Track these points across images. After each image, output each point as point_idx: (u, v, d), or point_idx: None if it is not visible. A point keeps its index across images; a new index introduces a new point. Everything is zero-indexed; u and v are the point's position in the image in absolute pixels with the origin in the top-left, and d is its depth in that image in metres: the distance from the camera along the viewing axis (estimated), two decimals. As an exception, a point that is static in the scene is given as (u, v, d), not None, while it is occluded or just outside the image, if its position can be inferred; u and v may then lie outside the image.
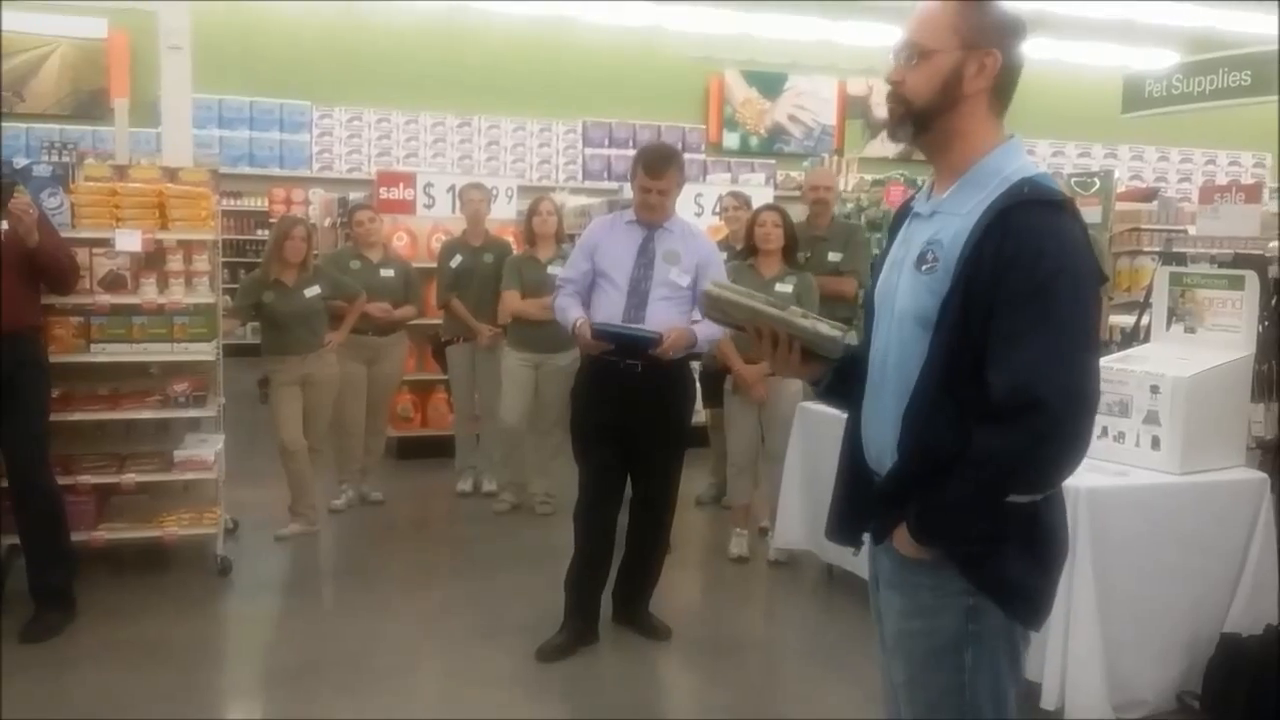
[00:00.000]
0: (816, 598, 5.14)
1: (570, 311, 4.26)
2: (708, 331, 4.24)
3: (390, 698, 3.93)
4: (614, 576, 4.50)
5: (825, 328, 2.07)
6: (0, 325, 4.25)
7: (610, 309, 4.22)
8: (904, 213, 2.13)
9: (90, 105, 12.09)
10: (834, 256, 6.08)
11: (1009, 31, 1.95)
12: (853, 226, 6.70)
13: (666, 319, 4.17)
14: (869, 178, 8.70)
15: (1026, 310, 1.80)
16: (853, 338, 2.12)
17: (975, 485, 1.85)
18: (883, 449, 2.03)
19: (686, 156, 13.43)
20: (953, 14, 1.93)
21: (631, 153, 8.13)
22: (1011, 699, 2.03)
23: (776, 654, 4.65)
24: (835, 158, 11.63)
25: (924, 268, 1.94)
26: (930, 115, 1.95)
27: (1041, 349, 1.79)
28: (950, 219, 1.94)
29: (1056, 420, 1.79)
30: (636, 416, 4.19)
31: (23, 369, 4.37)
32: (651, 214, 4.25)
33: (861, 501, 2.10)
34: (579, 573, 4.36)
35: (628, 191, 5.74)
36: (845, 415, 2.18)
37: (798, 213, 6.13)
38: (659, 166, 4.20)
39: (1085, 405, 1.83)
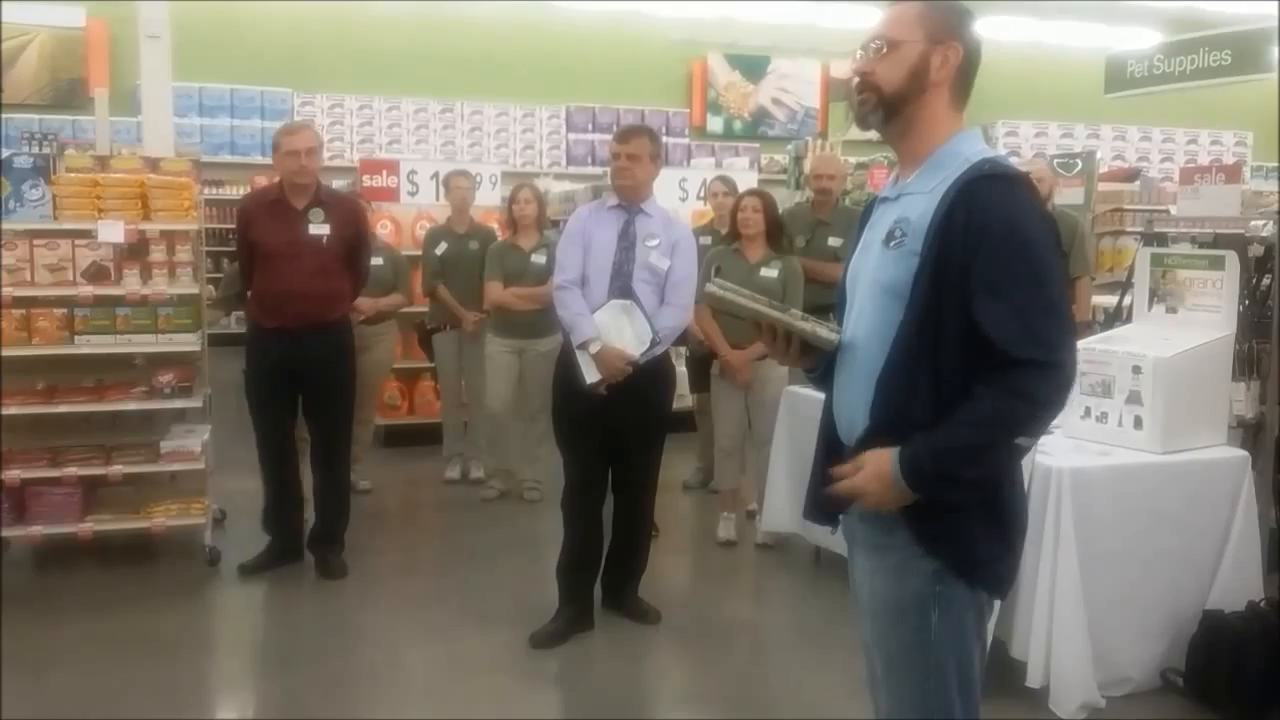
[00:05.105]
0: (804, 580, 5.16)
1: (584, 327, 4.18)
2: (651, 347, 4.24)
3: (382, 686, 3.94)
4: (602, 563, 4.52)
5: (824, 330, 2.15)
6: (326, 315, 4.87)
7: (595, 292, 4.24)
8: (868, 212, 2.24)
9: (69, 95, 11.97)
10: (834, 242, 6.05)
11: (968, 26, 2.10)
12: (856, 213, 6.57)
13: (647, 302, 4.21)
14: (853, 160, 8.68)
15: (1011, 271, 1.93)
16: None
17: (977, 430, 1.95)
18: (854, 420, 2.11)
19: (671, 141, 13.18)
20: (919, 10, 2.09)
21: (615, 137, 8.07)
22: (976, 658, 2.12)
23: (766, 636, 4.68)
24: (819, 141, 11.62)
25: (892, 244, 2.05)
26: (898, 102, 2.09)
27: (1035, 303, 1.94)
28: (916, 198, 2.05)
29: (1058, 365, 1.94)
30: (616, 405, 4.19)
31: (345, 355, 5.03)
32: (623, 178, 4.25)
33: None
34: (570, 560, 4.38)
35: (612, 177, 5.73)
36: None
37: (783, 196, 6.13)
38: (626, 134, 4.30)
39: (1073, 352, 1.99)
